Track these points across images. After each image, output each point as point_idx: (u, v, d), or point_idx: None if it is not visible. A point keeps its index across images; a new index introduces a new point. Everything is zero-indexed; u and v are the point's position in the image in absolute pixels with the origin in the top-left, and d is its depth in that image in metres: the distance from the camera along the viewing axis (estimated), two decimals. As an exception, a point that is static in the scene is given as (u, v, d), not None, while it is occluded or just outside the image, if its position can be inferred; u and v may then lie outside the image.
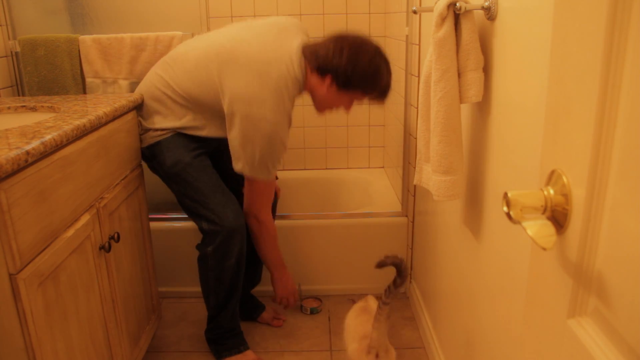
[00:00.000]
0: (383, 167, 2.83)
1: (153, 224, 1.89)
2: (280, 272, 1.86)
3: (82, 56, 1.90)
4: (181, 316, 2.08)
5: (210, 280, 1.75)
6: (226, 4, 2.49)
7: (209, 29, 1.99)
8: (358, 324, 1.52)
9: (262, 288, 2.10)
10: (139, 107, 1.65)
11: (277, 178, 2.04)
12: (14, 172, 0.96)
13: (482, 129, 1.20)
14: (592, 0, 0.50)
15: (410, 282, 2.17)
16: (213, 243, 1.68)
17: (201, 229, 1.70)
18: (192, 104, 1.62)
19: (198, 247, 1.75)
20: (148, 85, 1.67)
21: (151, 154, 1.67)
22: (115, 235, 1.41)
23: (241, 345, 1.84)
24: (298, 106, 2.69)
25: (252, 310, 2.04)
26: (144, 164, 1.73)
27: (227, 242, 1.67)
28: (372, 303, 1.59)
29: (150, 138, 1.66)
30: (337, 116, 2.75)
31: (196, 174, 1.67)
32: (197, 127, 1.65)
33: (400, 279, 1.34)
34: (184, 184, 1.66)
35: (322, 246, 2.15)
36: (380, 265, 1.41)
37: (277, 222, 2.13)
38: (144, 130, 1.67)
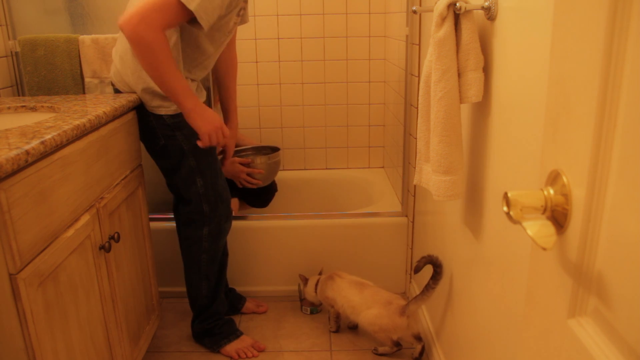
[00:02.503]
0: (383, 167, 2.83)
1: (153, 224, 1.89)
2: (193, 102, 1.54)
3: (81, 56, 1.90)
4: (181, 316, 2.08)
5: (202, 264, 1.78)
6: (226, 4, 2.49)
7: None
8: (368, 295, 1.79)
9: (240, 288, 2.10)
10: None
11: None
12: (14, 172, 0.96)
13: (482, 129, 1.20)
14: (592, 0, 0.50)
15: (410, 281, 2.17)
16: (209, 224, 1.74)
17: (199, 211, 1.72)
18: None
19: (187, 232, 1.77)
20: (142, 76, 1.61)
21: (176, 124, 1.63)
22: (115, 235, 1.41)
23: (237, 331, 1.88)
24: (297, 106, 2.70)
25: (236, 301, 2.08)
26: (143, 163, 1.72)
27: (222, 223, 1.77)
28: (349, 275, 1.93)
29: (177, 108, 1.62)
30: (337, 116, 2.75)
31: (216, 155, 1.74)
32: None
33: (439, 269, 1.57)
34: (205, 161, 1.68)
35: (322, 246, 2.15)
36: (417, 270, 1.62)
37: (277, 222, 2.14)
38: (164, 99, 1.61)
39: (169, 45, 1.45)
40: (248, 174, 2.05)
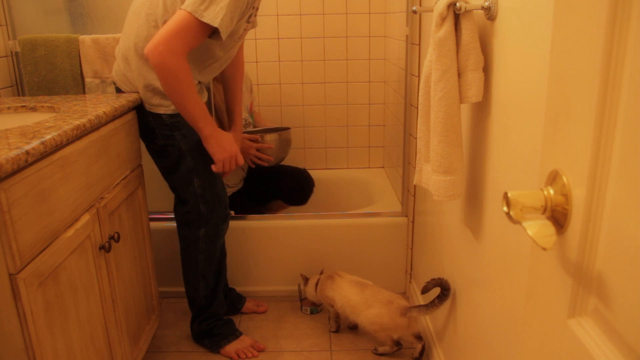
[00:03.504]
0: (383, 167, 2.83)
1: (153, 224, 1.89)
2: (212, 128, 1.59)
3: (81, 56, 1.90)
4: (181, 316, 2.08)
5: (200, 265, 1.78)
6: (226, 4, 2.49)
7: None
8: (369, 294, 1.79)
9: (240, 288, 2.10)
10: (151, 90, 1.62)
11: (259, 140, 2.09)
12: (14, 172, 0.95)
13: (482, 129, 1.20)
14: (592, 0, 0.50)
15: (410, 281, 2.17)
16: (206, 225, 1.74)
17: (196, 212, 1.72)
18: None
19: (184, 232, 1.77)
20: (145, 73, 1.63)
21: (175, 124, 1.63)
22: (115, 235, 1.41)
23: (236, 331, 1.88)
24: (298, 106, 2.70)
25: (236, 301, 2.08)
26: (143, 164, 1.72)
27: (219, 224, 1.77)
28: (348, 275, 1.93)
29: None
30: (337, 116, 2.75)
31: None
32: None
33: (447, 291, 1.54)
34: (202, 162, 1.68)
35: (322, 246, 2.15)
36: (425, 290, 1.60)
37: (277, 222, 2.14)
38: (164, 97, 1.62)
39: (190, 71, 1.50)
40: (258, 150, 2.08)
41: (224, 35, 1.47)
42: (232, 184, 2.22)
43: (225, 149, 1.62)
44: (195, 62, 1.60)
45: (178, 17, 1.44)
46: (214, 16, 1.43)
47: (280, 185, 2.31)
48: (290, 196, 2.30)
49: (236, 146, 1.66)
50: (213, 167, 1.64)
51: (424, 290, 1.60)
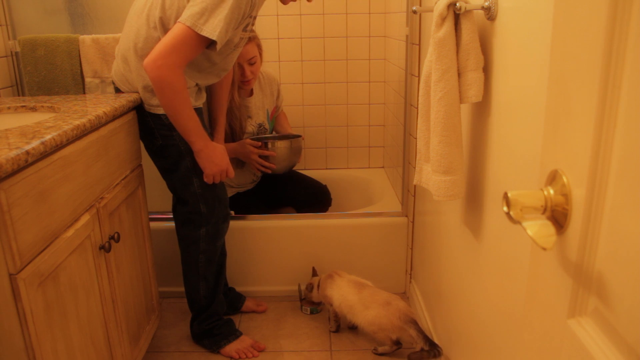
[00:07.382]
0: (383, 167, 2.83)
1: (153, 224, 1.89)
2: (203, 143, 1.61)
3: (81, 56, 1.90)
4: (181, 316, 2.08)
5: (200, 265, 1.78)
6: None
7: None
8: (367, 295, 1.80)
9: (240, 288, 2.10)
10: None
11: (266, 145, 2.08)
12: (14, 172, 0.96)
13: (482, 129, 1.20)
14: (592, 0, 0.50)
15: (410, 281, 2.17)
16: (207, 225, 1.74)
17: (197, 211, 1.72)
18: None
19: (184, 232, 1.78)
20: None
21: (173, 125, 1.62)
22: (115, 235, 1.41)
23: (236, 331, 1.89)
24: (297, 106, 2.70)
25: (235, 300, 2.08)
26: (143, 164, 1.72)
27: (220, 223, 1.77)
28: (348, 274, 1.94)
29: None
30: (337, 116, 2.75)
31: None
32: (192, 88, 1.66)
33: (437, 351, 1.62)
34: None
35: (322, 246, 2.15)
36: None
37: (277, 222, 2.14)
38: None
39: (186, 85, 1.54)
40: (261, 157, 2.09)
41: (219, 46, 1.49)
42: (237, 184, 2.21)
43: (215, 163, 1.65)
44: (192, 65, 1.60)
45: (177, 31, 1.45)
46: (212, 29, 1.44)
47: (296, 195, 2.32)
48: (303, 209, 2.30)
49: (227, 159, 1.69)
50: (204, 178, 1.67)
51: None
